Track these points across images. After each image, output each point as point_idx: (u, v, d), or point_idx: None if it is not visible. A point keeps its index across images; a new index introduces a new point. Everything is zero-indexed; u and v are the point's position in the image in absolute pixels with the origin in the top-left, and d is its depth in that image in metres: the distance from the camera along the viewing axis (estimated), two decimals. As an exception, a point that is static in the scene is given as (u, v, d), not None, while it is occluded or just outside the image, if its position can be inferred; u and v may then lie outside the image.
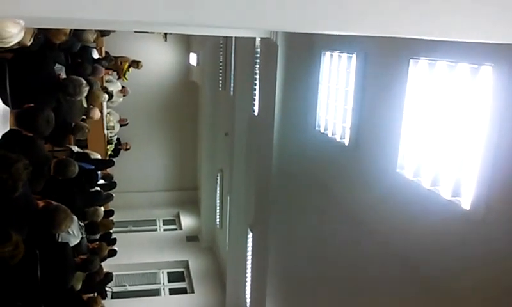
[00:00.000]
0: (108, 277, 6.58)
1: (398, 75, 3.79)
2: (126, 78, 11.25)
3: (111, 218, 7.88)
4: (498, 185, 2.84)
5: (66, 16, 1.59)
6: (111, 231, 7.44)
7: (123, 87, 10.85)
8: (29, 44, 4.17)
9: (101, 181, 7.21)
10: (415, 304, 3.71)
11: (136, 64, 11.29)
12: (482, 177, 2.96)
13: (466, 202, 3.13)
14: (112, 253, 7.11)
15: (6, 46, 3.42)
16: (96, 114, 6.79)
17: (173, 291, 11.51)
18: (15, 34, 3.32)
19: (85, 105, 6.33)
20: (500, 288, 2.87)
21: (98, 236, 6.66)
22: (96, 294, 6.23)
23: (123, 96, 10.82)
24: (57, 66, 5.20)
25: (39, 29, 4.33)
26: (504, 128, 2.79)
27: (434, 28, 1.91)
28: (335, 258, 5.19)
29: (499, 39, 2.24)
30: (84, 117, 6.49)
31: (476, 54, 2.99)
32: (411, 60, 3.63)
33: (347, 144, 4.85)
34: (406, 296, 3.81)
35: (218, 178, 12.48)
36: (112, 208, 7.87)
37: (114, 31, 9.50)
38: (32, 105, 3.82)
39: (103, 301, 5.28)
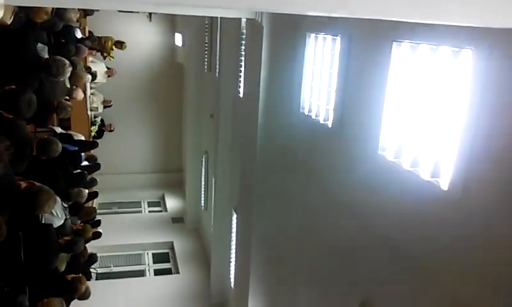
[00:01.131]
0: (92, 258, 6.58)
1: (381, 58, 3.82)
2: (112, 57, 11.08)
3: (94, 200, 7.85)
4: (475, 166, 2.91)
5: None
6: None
7: (109, 68, 10.71)
8: (9, 22, 4.09)
9: (85, 163, 7.17)
10: (395, 283, 3.80)
11: (119, 44, 11.13)
12: (460, 159, 3.03)
13: (444, 183, 3.21)
14: (97, 235, 7.09)
15: (-14, 24, 3.35)
16: (79, 94, 6.71)
17: (158, 272, 11.56)
18: (-5, 13, 3.26)
19: (68, 86, 6.25)
20: (476, 265, 2.96)
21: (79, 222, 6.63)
22: (80, 274, 6.23)
23: (108, 77, 10.69)
24: (40, 45, 5.09)
25: (20, 7, 4.24)
26: (482, 111, 2.85)
27: (416, 11, 1.94)
28: (317, 237, 5.27)
29: (479, 23, 2.28)
30: (67, 97, 6.41)
31: (457, 38, 3.03)
32: (394, 43, 3.66)
33: (330, 125, 4.90)
34: (387, 275, 3.90)
35: (203, 160, 12.48)
36: (97, 190, 7.83)
37: (97, 11, 9.36)
38: (13, 87, 3.77)
39: (88, 282, 5.29)
